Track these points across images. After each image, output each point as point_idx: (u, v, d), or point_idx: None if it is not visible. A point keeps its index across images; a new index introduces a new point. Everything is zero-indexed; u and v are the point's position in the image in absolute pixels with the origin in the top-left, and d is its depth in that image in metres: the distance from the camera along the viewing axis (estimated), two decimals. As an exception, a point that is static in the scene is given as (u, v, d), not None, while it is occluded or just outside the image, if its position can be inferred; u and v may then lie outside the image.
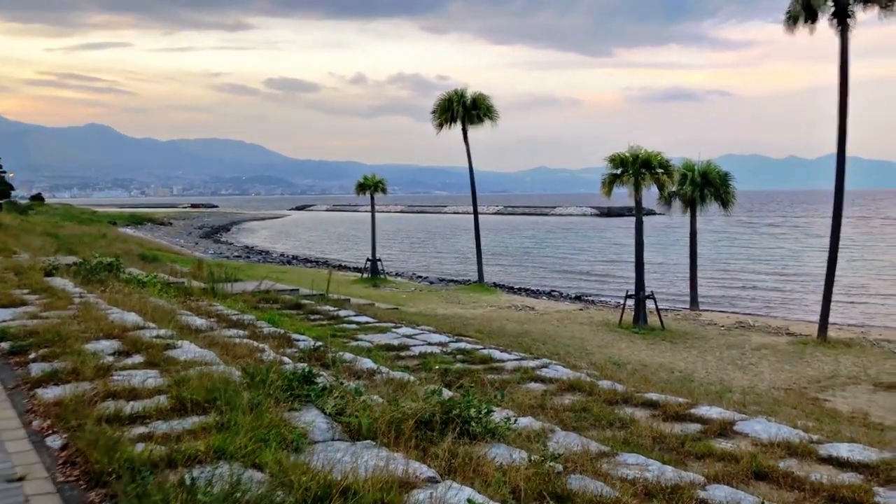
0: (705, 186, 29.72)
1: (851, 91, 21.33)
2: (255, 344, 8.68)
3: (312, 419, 4.73)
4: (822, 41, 21.89)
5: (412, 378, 7.81)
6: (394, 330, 13.06)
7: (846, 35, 20.80)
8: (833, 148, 21.70)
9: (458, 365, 9.92)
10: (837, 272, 22.54)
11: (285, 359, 7.77)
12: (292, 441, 4.18)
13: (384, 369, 8.33)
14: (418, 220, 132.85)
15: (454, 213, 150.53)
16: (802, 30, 21.54)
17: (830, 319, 21.80)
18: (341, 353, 9.06)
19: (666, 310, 25.49)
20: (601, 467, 5.13)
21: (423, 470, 4.01)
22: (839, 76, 21.23)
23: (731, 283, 40.83)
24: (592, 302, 33.26)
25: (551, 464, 4.55)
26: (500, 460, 4.55)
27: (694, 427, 7.00)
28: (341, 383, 5.57)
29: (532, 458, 4.56)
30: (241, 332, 9.95)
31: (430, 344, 11.68)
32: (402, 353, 10.70)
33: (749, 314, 28.37)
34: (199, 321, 10.25)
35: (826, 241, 22.64)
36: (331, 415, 4.84)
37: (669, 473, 5.12)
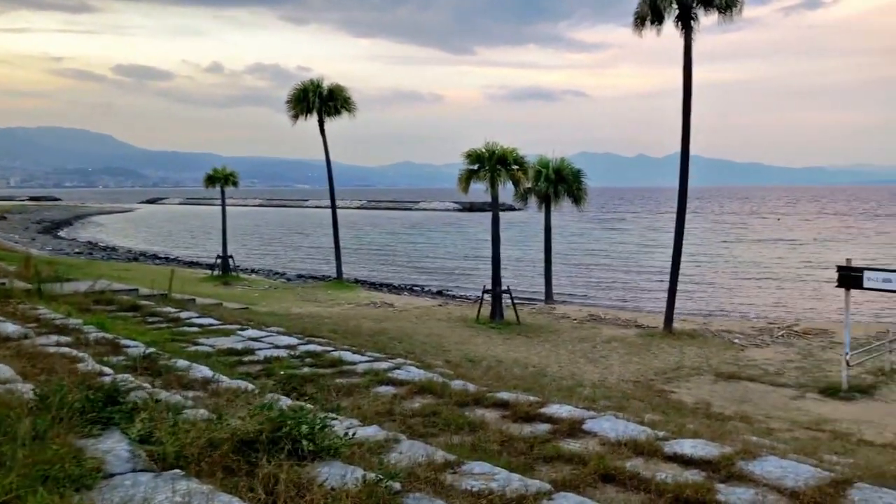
0: (559, 183, 30.43)
1: (694, 94, 22.33)
2: (75, 353, 7.81)
3: (112, 447, 4.05)
4: (671, 48, 22.77)
5: (251, 387, 7.23)
6: (240, 332, 12.29)
7: (690, 37, 21.74)
8: (679, 147, 22.64)
9: (306, 369, 9.36)
10: (681, 266, 23.55)
11: (106, 370, 6.98)
12: (80, 477, 3.53)
13: (223, 378, 7.68)
14: (277, 215, 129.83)
15: (316, 207, 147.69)
16: (650, 31, 22.32)
17: (675, 311, 22.76)
18: (175, 361, 8.32)
19: (522, 304, 25.85)
20: (445, 480, 4.78)
21: (234, 504, 3.50)
22: (683, 77, 22.17)
23: (583, 277, 42.25)
24: (453, 297, 33.43)
25: (388, 483, 4.14)
26: (331, 482, 4.06)
27: (543, 427, 6.82)
28: (156, 400, 4.92)
29: (367, 478, 4.13)
30: (62, 340, 8.99)
31: (277, 347, 11.02)
32: (246, 359, 10.00)
33: (600, 307, 29.28)
34: (11, 328, 9.18)
35: (671, 236, 23.61)
36: (136, 440, 4.21)
37: (516, 483, 4.84)
